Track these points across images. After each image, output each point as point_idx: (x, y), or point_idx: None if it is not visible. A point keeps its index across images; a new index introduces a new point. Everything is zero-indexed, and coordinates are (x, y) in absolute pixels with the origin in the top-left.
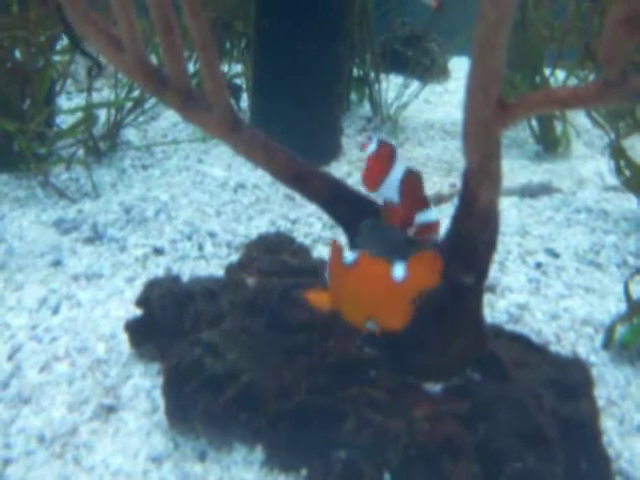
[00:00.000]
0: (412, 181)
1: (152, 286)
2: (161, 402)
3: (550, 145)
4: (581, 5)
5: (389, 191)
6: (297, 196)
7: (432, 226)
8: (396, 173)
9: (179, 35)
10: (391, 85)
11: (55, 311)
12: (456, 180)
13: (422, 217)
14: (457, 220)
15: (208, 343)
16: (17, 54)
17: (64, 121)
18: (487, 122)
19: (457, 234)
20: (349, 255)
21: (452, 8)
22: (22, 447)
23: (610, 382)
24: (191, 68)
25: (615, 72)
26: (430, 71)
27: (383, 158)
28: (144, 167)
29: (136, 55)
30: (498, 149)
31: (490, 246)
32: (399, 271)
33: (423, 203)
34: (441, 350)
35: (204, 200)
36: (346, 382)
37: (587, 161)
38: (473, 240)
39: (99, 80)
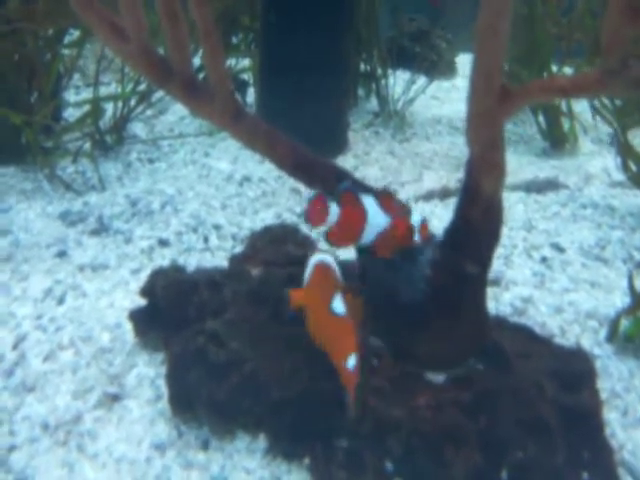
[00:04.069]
0: (386, 196)
1: (157, 276)
2: (165, 391)
3: (557, 142)
4: (591, 1)
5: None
6: (303, 189)
7: (423, 226)
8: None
9: (184, 24)
10: (398, 81)
11: (60, 301)
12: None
13: (416, 218)
14: (461, 209)
15: (212, 332)
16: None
17: (72, 115)
18: (490, 110)
19: (461, 223)
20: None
21: (461, 4)
22: (26, 434)
23: (614, 374)
24: (197, 62)
25: (616, 61)
26: (437, 67)
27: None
28: (150, 161)
29: (140, 45)
30: (501, 138)
31: (494, 235)
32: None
33: (404, 206)
34: (444, 339)
35: (210, 193)
36: None
37: (594, 157)
38: (476, 229)
39: (107, 74)
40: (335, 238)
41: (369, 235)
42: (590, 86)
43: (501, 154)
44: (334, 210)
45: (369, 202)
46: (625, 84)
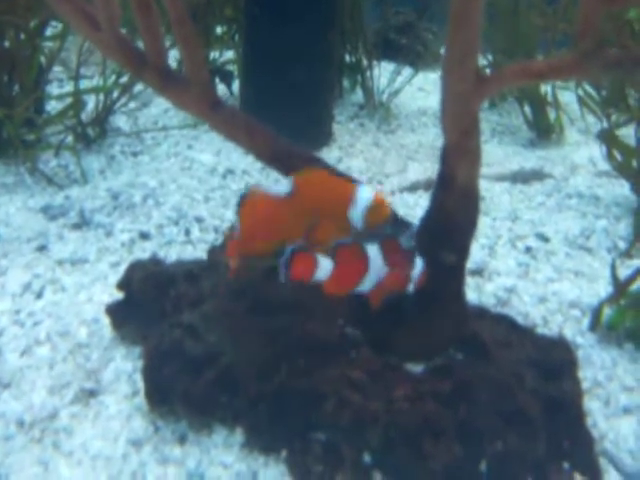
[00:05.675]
0: (392, 245)
1: (134, 268)
2: (142, 385)
3: (543, 132)
4: None
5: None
6: None
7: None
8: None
9: (157, 14)
10: (384, 72)
11: (38, 296)
12: None
13: (417, 269)
14: (436, 197)
15: (189, 325)
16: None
17: (54, 108)
18: (465, 96)
19: (437, 211)
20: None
21: None
22: (1, 432)
23: (596, 363)
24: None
25: (590, 43)
26: (422, 58)
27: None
28: (133, 154)
29: (114, 34)
30: (476, 125)
31: (470, 224)
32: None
33: (409, 257)
34: (423, 330)
35: (192, 186)
36: (327, 363)
37: (580, 147)
38: (453, 217)
39: (90, 67)
40: (332, 287)
41: (368, 284)
42: (566, 69)
43: (476, 141)
44: (326, 265)
45: (373, 252)
46: (601, 66)
